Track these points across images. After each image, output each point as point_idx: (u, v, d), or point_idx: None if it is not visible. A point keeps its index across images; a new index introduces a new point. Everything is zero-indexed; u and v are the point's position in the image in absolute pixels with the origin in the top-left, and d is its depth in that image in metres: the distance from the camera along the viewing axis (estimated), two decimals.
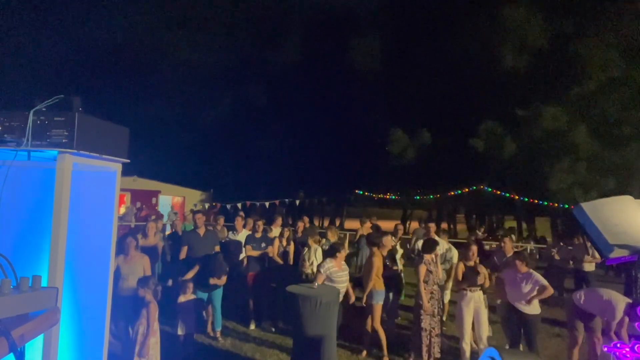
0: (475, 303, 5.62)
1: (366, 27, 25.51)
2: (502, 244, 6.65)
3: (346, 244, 8.08)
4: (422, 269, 5.65)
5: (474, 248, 5.91)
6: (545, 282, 5.26)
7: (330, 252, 5.83)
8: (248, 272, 7.06)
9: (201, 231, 6.69)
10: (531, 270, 5.39)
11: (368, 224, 9.94)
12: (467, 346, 5.59)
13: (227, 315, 7.14)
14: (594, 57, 18.48)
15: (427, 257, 5.80)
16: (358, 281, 6.78)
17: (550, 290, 5.20)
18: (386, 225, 11.22)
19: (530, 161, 19.93)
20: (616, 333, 4.80)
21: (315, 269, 6.72)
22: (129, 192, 22.59)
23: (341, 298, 5.65)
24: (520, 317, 5.33)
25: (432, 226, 7.88)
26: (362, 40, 25.01)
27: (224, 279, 6.10)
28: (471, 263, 5.76)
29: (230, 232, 7.87)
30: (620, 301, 4.84)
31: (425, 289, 5.59)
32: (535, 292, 5.23)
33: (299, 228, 8.36)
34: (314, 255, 6.84)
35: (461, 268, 5.77)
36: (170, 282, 6.84)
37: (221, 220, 9.34)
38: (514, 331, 5.48)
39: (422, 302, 5.54)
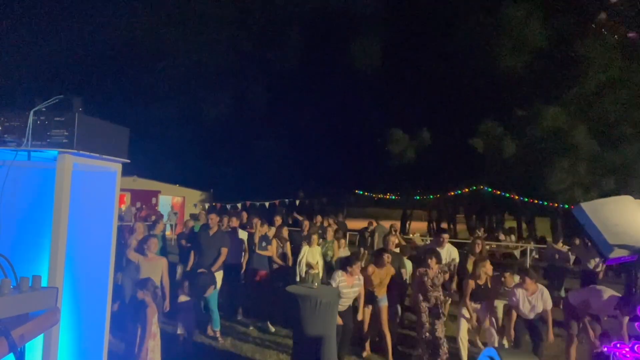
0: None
1: (366, 27, 25.46)
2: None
3: (361, 255, 8.08)
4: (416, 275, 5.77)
5: (489, 266, 5.77)
6: (550, 305, 5.24)
7: (343, 265, 5.64)
8: (248, 272, 7.05)
9: (212, 231, 6.70)
10: (541, 286, 5.35)
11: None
12: (464, 350, 5.60)
13: (226, 315, 7.14)
14: (594, 57, 18.46)
15: (420, 270, 5.78)
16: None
17: (549, 315, 5.23)
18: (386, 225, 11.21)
19: (530, 161, 19.89)
20: (606, 333, 4.81)
21: (320, 269, 6.72)
22: (129, 192, 22.63)
23: (346, 306, 5.47)
24: (528, 321, 5.31)
25: (446, 237, 7.29)
26: (362, 41, 24.98)
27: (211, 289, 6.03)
28: (481, 281, 5.65)
29: (241, 230, 7.86)
30: (609, 292, 4.88)
31: (419, 292, 5.66)
32: (540, 311, 5.24)
33: (305, 227, 8.34)
34: (318, 254, 6.80)
35: (471, 286, 5.62)
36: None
37: (225, 220, 9.36)
38: (520, 332, 5.40)
39: (417, 302, 5.64)
